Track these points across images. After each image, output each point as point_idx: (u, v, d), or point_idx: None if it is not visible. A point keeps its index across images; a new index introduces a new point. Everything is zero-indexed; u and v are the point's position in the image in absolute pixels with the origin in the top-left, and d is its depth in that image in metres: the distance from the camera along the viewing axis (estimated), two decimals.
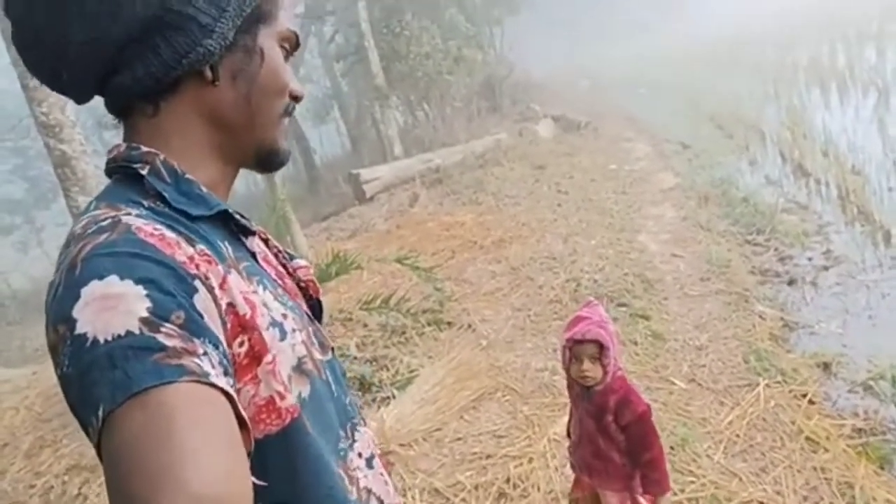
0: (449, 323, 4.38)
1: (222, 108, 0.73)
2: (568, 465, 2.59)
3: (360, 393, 3.66)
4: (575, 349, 1.86)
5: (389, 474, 0.86)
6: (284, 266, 0.85)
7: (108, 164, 0.72)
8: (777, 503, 2.47)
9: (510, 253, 5.58)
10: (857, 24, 16.61)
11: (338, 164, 15.29)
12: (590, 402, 1.93)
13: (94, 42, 0.66)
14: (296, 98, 0.80)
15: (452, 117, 12.50)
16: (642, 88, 16.09)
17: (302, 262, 0.89)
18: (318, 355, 0.75)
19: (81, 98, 0.74)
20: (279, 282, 0.77)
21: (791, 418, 2.97)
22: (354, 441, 0.79)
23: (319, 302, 0.88)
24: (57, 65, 0.69)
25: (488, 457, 3.01)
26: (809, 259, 4.89)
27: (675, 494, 2.57)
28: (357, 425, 0.81)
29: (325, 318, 0.89)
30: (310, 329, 0.76)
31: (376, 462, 0.83)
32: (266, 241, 0.84)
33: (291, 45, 0.80)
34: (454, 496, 2.80)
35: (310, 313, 0.81)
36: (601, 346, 1.83)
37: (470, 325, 4.34)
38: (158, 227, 0.62)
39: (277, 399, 0.66)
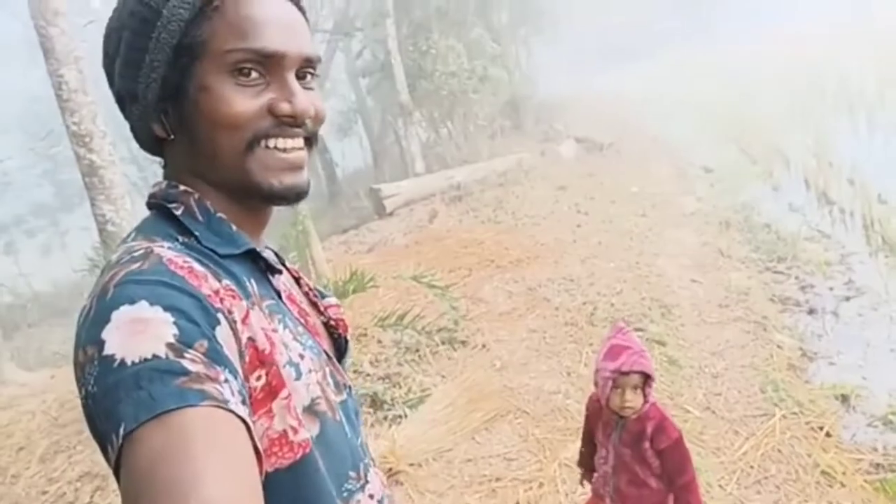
0: (463, 342, 4.38)
1: (188, 158, 0.73)
2: (579, 490, 2.58)
3: (371, 410, 3.66)
4: (619, 380, 1.84)
5: None
6: (315, 304, 0.87)
7: (149, 198, 0.76)
8: None
9: (527, 273, 5.57)
10: (887, 47, 16.43)
11: (359, 179, 15.42)
12: (625, 431, 1.92)
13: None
14: (274, 112, 0.71)
15: (475, 135, 12.56)
16: (667, 109, 16.03)
17: (333, 301, 0.91)
18: (332, 396, 0.76)
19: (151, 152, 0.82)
20: (301, 320, 0.79)
21: (807, 451, 2.92)
22: (367, 482, 0.80)
23: (346, 340, 0.89)
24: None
25: (498, 479, 3.00)
26: (831, 289, 4.83)
27: None
28: (369, 466, 0.81)
29: (350, 359, 0.90)
30: (326, 369, 0.77)
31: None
32: (298, 280, 0.87)
33: (242, 66, 0.70)
34: None
35: (329, 352, 0.82)
36: (646, 377, 1.83)
37: (484, 345, 4.33)
38: (188, 260, 0.65)
39: (290, 433, 0.68)
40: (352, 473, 0.77)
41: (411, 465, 3.14)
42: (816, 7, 31.21)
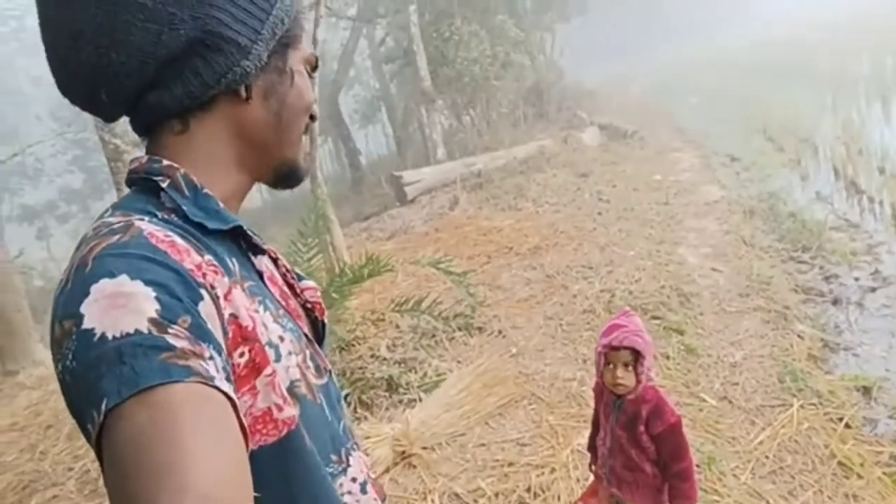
0: (480, 328, 4.38)
1: (252, 125, 0.76)
2: (591, 477, 2.58)
3: (387, 394, 3.69)
4: (610, 356, 1.86)
5: (383, 501, 0.87)
6: (292, 286, 0.87)
7: (128, 174, 0.74)
8: None
9: (546, 260, 5.55)
10: None
11: (382, 165, 15.45)
12: (621, 413, 1.92)
13: (137, 63, 0.68)
14: (312, 117, 0.83)
15: (498, 122, 12.49)
16: (692, 97, 15.78)
17: (310, 283, 0.91)
18: (313, 379, 0.76)
19: (112, 117, 0.77)
20: (282, 302, 0.78)
21: (825, 442, 2.88)
22: (349, 466, 0.80)
23: (324, 324, 0.89)
24: (96, 86, 0.70)
25: (510, 464, 3.01)
26: (856, 279, 4.73)
27: None
28: (351, 450, 0.82)
29: (328, 341, 0.90)
30: (307, 352, 0.77)
31: (369, 488, 0.83)
32: (276, 261, 0.86)
33: (312, 66, 0.83)
34: (474, 502, 2.80)
35: (310, 335, 0.82)
36: (637, 354, 1.83)
37: (501, 332, 4.33)
38: (169, 234, 0.64)
39: (275, 410, 0.67)
40: (333, 457, 0.77)
41: (424, 448, 3.16)
42: None
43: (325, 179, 7.75)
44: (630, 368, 1.84)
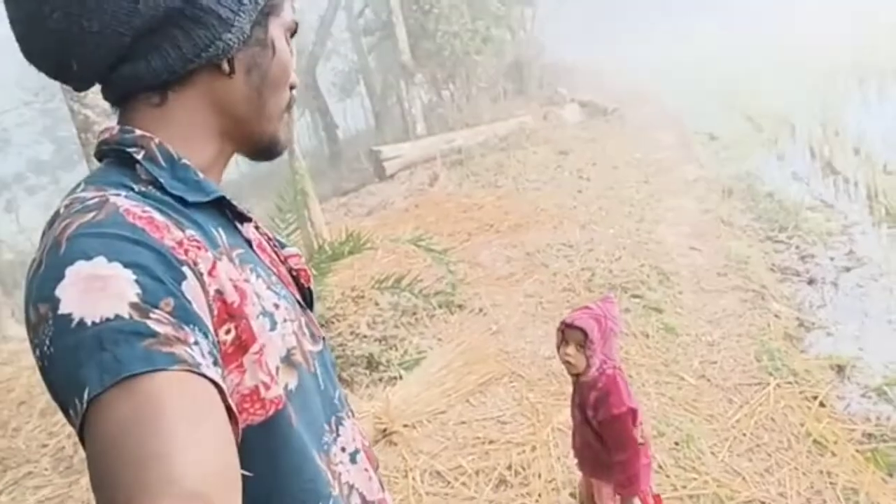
0: (460, 306, 4.37)
1: (233, 99, 0.73)
2: (571, 455, 2.59)
3: (367, 371, 3.67)
4: (566, 332, 1.89)
5: (375, 469, 0.85)
6: (276, 254, 0.85)
7: (98, 146, 0.70)
8: None
9: (526, 238, 5.54)
10: None
11: (361, 140, 15.27)
12: (577, 394, 1.96)
13: (111, 33, 0.64)
14: (292, 87, 0.80)
15: (478, 98, 12.38)
16: (673, 77, 15.80)
17: (293, 251, 0.88)
18: (308, 346, 0.75)
19: (82, 87, 0.72)
20: (273, 269, 0.76)
21: (800, 420, 2.93)
22: (338, 436, 0.78)
23: (311, 290, 0.87)
24: (65, 55, 0.66)
25: (491, 442, 3.02)
26: (831, 259, 4.80)
27: (676, 490, 2.56)
28: (342, 419, 0.80)
29: (316, 307, 0.89)
30: (302, 319, 0.75)
31: (360, 457, 0.81)
32: (257, 228, 0.83)
33: (292, 32, 0.80)
34: (455, 479, 2.81)
35: (302, 302, 0.80)
36: (587, 337, 1.84)
37: (481, 310, 4.33)
38: (147, 209, 0.61)
39: (262, 389, 0.66)
40: (326, 426, 0.76)
41: (405, 425, 3.16)
42: None
43: (302, 153, 7.63)
44: (581, 350, 1.86)
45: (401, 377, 3.53)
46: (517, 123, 10.35)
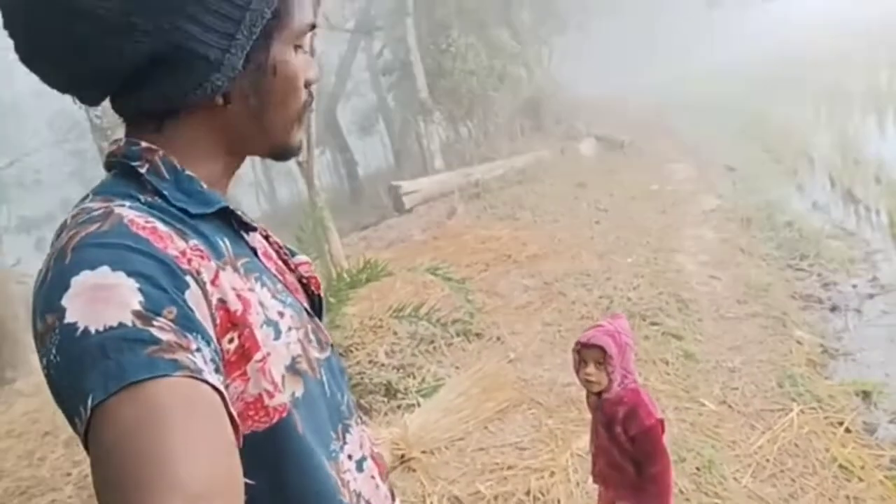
0: (478, 334, 4.38)
1: (233, 125, 0.72)
2: (590, 480, 2.56)
3: (385, 399, 3.68)
4: (583, 352, 1.89)
5: (384, 477, 0.84)
6: (286, 262, 0.85)
7: (107, 157, 0.72)
8: None
9: (544, 268, 5.55)
10: None
11: (380, 177, 15.48)
12: (602, 413, 1.94)
13: (98, 76, 0.67)
14: (308, 85, 0.77)
15: (495, 134, 12.56)
16: (689, 109, 15.88)
17: (303, 258, 0.89)
18: (315, 353, 0.74)
19: (92, 104, 0.75)
20: (279, 277, 0.76)
21: (825, 445, 2.87)
22: (345, 443, 0.78)
23: (321, 298, 0.88)
24: (64, 90, 0.70)
25: (509, 468, 2.99)
26: (854, 286, 4.73)
27: None
28: (349, 427, 0.79)
29: (326, 317, 0.89)
30: (308, 326, 0.75)
31: (367, 465, 0.81)
32: (267, 238, 0.85)
33: (310, 30, 0.76)
34: None
35: (310, 310, 0.80)
36: (606, 353, 1.84)
37: (499, 338, 4.32)
38: (151, 219, 0.62)
39: (266, 397, 0.66)
40: (333, 434, 0.76)
41: (424, 452, 3.14)
42: (842, 6, 30.73)
43: (323, 190, 7.77)
44: (601, 367, 1.86)
45: (419, 404, 3.53)
46: (534, 157, 10.46)
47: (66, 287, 0.54)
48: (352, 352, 4.27)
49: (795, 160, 8.93)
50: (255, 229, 0.77)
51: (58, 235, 0.61)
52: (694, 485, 2.70)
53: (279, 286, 0.74)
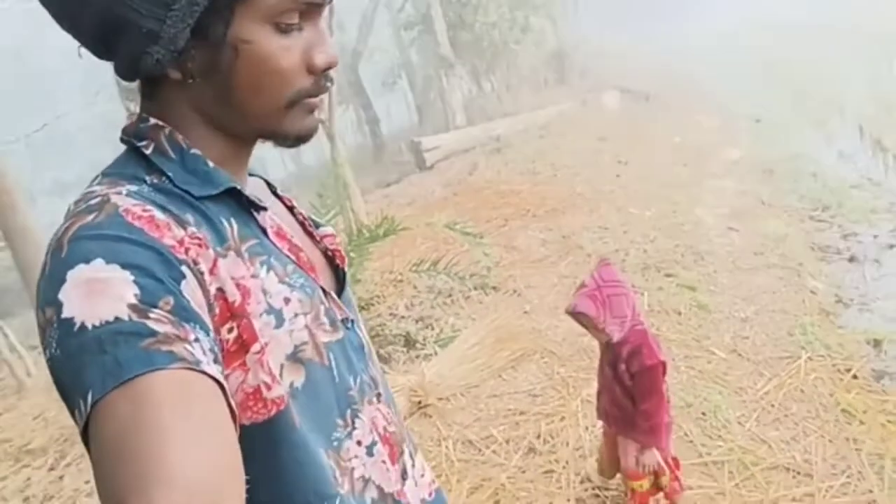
0: (495, 288, 4.47)
1: (204, 103, 0.69)
2: (598, 424, 2.67)
3: (404, 349, 3.82)
4: (575, 319, 2.01)
5: (399, 457, 0.83)
6: (311, 234, 0.84)
7: (122, 133, 0.72)
8: (804, 470, 2.47)
9: (563, 222, 5.60)
10: None
11: (404, 134, 15.45)
12: (609, 352, 2.05)
13: (79, 33, 0.67)
14: (313, 71, 0.70)
15: (518, 88, 12.43)
16: (718, 60, 15.46)
17: (328, 230, 0.88)
18: (323, 337, 0.73)
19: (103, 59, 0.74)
20: (292, 257, 0.74)
21: (830, 391, 2.93)
22: (354, 429, 0.76)
23: (345, 273, 0.86)
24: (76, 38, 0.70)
25: (521, 413, 3.12)
26: (875, 237, 4.71)
27: (701, 456, 2.62)
28: (359, 412, 0.77)
29: (354, 289, 0.90)
30: (321, 307, 0.73)
31: (378, 449, 0.79)
32: (292, 209, 0.84)
33: (310, 7, 0.68)
34: (486, 448, 2.92)
35: (328, 287, 0.78)
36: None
37: (515, 291, 4.42)
38: (148, 207, 0.61)
39: (264, 389, 0.66)
40: (339, 421, 0.74)
41: (440, 399, 3.28)
42: None
43: (346, 148, 7.83)
44: (594, 328, 1.97)
45: (436, 354, 3.66)
46: (556, 111, 10.37)
47: (63, 280, 0.54)
48: (373, 305, 4.40)
49: (824, 110, 8.73)
50: (265, 209, 0.74)
51: (64, 219, 0.61)
52: (699, 428, 2.80)
53: (290, 267, 0.72)
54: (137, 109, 0.72)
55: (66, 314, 0.53)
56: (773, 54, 14.11)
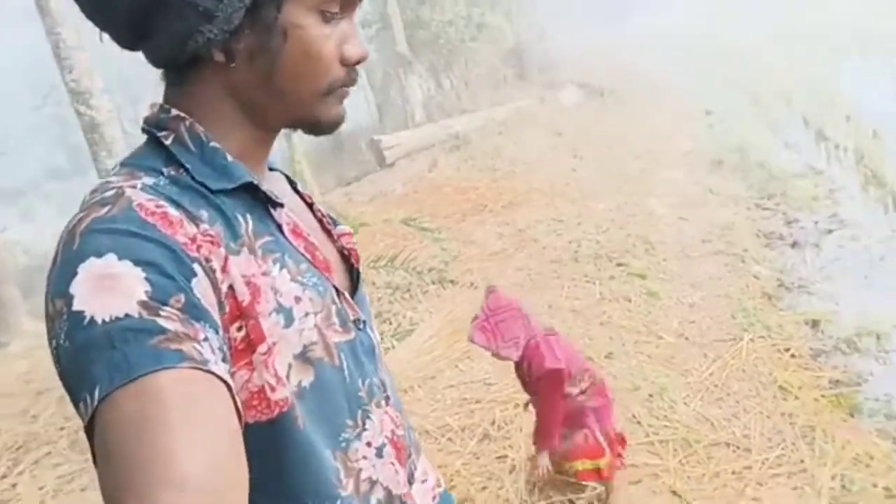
0: (452, 281, 4.54)
1: (243, 86, 0.69)
2: None
3: None
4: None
5: (407, 459, 0.83)
6: (329, 232, 0.84)
7: (143, 121, 0.71)
8: (743, 445, 2.60)
9: (518, 216, 5.70)
10: None
11: (363, 131, 15.40)
12: (518, 369, 2.24)
13: (111, 17, 0.68)
14: (346, 63, 0.72)
15: (476, 85, 12.51)
16: (671, 56, 15.80)
17: (345, 229, 0.87)
18: (334, 338, 0.72)
19: (127, 48, 0.74)
20: (307, 255, 0.73)
21: (769, 370, 3.07)
22: (364, 430, 0.75)
23: (359, 272, 0.86)
24: (102, 23, 0.70)
25: (477, 402, 3.19)
26: (816, 222, 4.91)
27: (648, 436, 2.72)
28: (370, 412, 0.76)
29: (363, 290, 0.86)
30: (332, 307, 0.73)
31: (387, 450, 0.78)
32: (311, 206, 0.83)
33: (345, 1, 0.70)
34: (442, 436, 2.99)
35: (341, 286, 0.78)
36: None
37: (472, 284, 4.49)
38: (161, 203, 0.61)
39: (268, 390, 0.66)
40: (349, 422, 0.74)
41: (397, 391, 3.33)
42: None
43: (305, 146, 7.82)
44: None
45: (393, 347, 3.71)
46: (515, 108, 10.48)
47: (74, 273, 0.54)
48: None
49: (772, 101, 9.02)
50: (282, 205, 0.74)
51: (80, 207, 0.62)
52: (646, 410, 2.91)
53: (304, 265, 0.71)
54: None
55: (76, 307, 0.53)
56: (727, 49, 14.48)
